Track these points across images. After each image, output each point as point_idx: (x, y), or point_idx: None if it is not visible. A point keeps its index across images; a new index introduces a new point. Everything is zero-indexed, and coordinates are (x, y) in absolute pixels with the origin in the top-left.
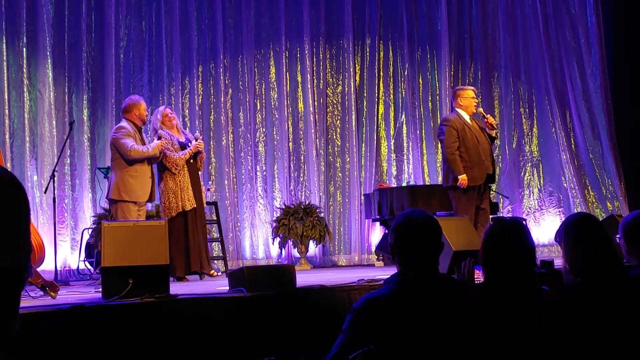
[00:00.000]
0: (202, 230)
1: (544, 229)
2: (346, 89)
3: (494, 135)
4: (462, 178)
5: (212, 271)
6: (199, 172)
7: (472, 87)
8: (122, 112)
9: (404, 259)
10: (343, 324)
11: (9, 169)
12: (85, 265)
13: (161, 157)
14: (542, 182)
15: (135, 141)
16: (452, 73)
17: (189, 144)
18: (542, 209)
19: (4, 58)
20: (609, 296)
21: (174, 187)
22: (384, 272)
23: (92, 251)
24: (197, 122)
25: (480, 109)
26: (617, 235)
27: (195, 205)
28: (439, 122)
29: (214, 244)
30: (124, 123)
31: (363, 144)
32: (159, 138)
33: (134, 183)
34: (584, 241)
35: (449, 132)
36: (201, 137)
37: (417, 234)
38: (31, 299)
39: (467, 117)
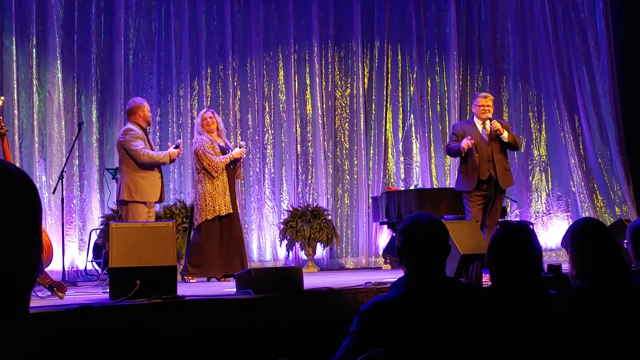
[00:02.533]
0: (237, 237)
1: (552, 233)
2: (355, 92)
3: (506, 140)
4: (463, 144)
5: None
6: (237, 180)
7: (486, 95)
8: (127, 115)
9: (411, 262)
10: (350, 327)
11: None
12: (93, 266)
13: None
14: (550, 186)
15: (144, 143)
16: (460, 76)
17: (229, 149)
18: (550, 213)
19: (14, 58)
20: (615, 302)
21: (211, 190)
22: (391, 275)
23: (99, 252)
24: None
25: (487, 115)
26: (625, 240)
27: (231, 211)
28: (447, 125)
29: None
30: (130, 125)
31: (371, 147)
32: (177, 147)
33: (144, 184)
34: (590, 246)
35: (452, 138)
36: (245, 145)
37: (425, 237)
38: (39, 299)
39: (479, 123)
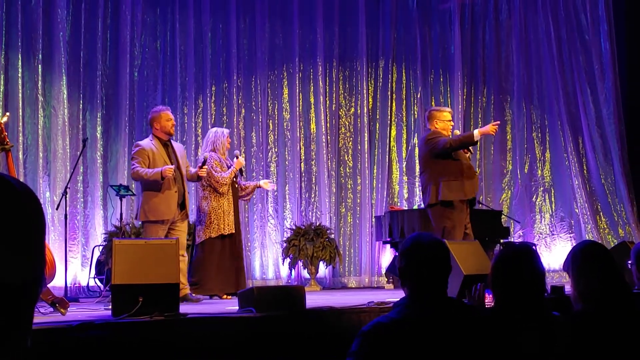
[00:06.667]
0: (238, 257)
1: (555, 254)
2: (359, 111)
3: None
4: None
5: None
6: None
7: (449, 109)
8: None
9: (412, 283)
10: (351, 346)
11: None
12: (95, 283)
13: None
14: (553, 207)
15: (149, 159)
16: (464, 97)
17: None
18: (553, 234)
19: (19, 75)
20: (618, 325)
21: (217, 208)
22: (393, 295)
23: (102, 268)
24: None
25: (457, 131)
26: (629, 262)
27: (233, 231)
28: None
29: None
30: (144, 140)
31: (375, 166)
32: (204, 162)
33: (157, 202)
34: (591, 270)
35: (442, 136)
36: (239, 154)
37: (427, 258)
38: (41, 315)
39: None
